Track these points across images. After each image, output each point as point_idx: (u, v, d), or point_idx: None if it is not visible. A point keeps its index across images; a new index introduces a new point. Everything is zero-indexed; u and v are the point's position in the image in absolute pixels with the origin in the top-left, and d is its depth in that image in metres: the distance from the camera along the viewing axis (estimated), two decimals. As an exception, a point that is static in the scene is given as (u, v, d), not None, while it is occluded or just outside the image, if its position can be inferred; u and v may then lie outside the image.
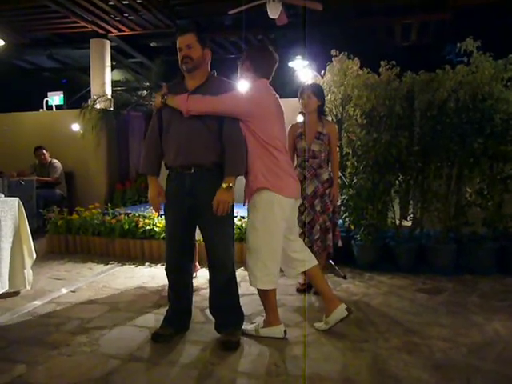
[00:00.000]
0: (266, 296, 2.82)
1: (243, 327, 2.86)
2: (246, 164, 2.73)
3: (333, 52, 4.84)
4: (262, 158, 2.71)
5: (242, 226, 4.75)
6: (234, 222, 2.88)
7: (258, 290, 2.83)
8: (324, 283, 2.99)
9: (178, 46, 2.71)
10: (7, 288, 3.60)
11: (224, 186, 2.63)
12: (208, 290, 2.91)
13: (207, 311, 2.99)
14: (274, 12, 6.32)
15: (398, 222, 4.75)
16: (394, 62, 4.67)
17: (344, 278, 4.18)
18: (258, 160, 2.71)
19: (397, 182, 4.71)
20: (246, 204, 2.87)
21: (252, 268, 2.79)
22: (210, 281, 2.86)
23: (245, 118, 2.69)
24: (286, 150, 2.87)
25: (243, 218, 4.86)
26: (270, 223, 2.72)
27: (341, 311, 2.82)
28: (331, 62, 4.86)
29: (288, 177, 2.80)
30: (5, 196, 3.82)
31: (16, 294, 3.73)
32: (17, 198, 3.83)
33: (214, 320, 2.88)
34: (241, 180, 2.80)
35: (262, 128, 2.70)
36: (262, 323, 2.85)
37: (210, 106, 2.64)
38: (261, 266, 2.74)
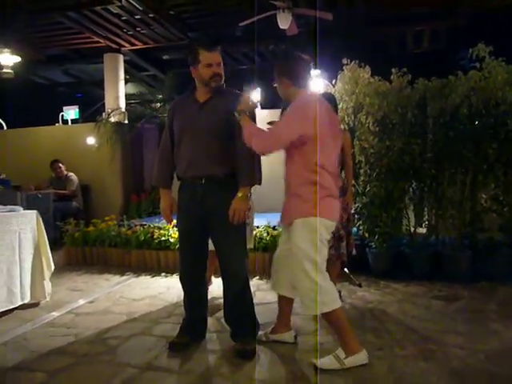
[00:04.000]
0: (336, 318, 2.53)
1: (319, 363, 2.53)
2: (261, 174, 2.71)
3: (344, 61, 4.87)
4: (312, 184, 2.51)
5: (262, 235, 4.81)
6: (245, 231, 2.87)
7: (326, 316, 2.54)
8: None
9: (207, 61, 2.65)
10: (29, 299, 3.68)
11: (240, 194, 2.66)
12: (223, 299, 2.93)
13: (223, 320, 3.00)
14: (285, 22, 6.39)
15: (412, 230, 4.73)
16: (405, 70, 4.69)
17: (359, 286, 4.17)
18: (308, 185, 2.52)
19: (411, 189, 4.70)
20: (285, 224, 2.71)
21: (309, 295, 2.50)
22: (224, 290, 2.87)
23: (302, 142, 2.48)
24: (336, 169, 2.67)
25: (257, 227, 4.89)
26: (322, 249, 2.56)
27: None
28: (342, 70, 4.89)
29: (335, 201, 2.63)
30: (23, 209, 3.90)
31: (35, 305, 3.79)
32: (35, 211, 3.91)
33: (229, 329, 2.90)
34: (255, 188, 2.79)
35: (315, 149, 2.48)
36: (342, 353, 2.53)
37: (272, 141, 2.50)
38: (315, 287, 2.48)
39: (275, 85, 2.71)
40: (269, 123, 2.82)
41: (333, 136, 2.60)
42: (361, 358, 2.53)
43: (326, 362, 2.53)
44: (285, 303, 2.87)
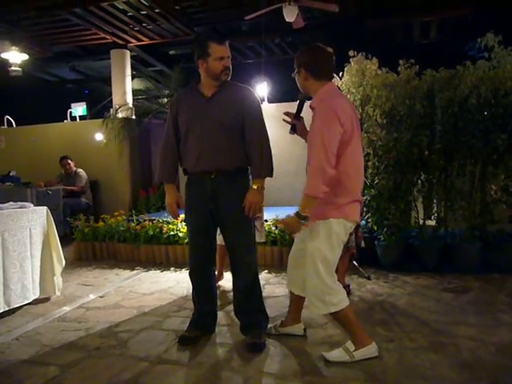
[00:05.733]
0: (344, 316, 2.51)
1: (326, 356, 2.54)
2: (272, 166, 2.70)
3: (350, 53, 4.83)
4: (335, 187, 2.41)
5: (270, 229, 4.84)
6: (253, 224, 2.86)
7: (335, 315, 2.52)
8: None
9: (219, 54, 2.62)
10: (38, 294, 3.72)
11: (255, 187, 2.67)
12: (232, 293, 2.94)
13: (232, 314, 3.02)
14: (291, 16, 6.35)
15: (421, 222, 4.70)
16: (412, 61, 4.65)
17: (368, 278, 4.17)
18: (331, 189, 2.40)
19: (419, 181, 4.67)
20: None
21: (317, 294, 2.49)
22: (234, 283, 2.89)
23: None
24: (361, 165, 2.57)
25: (266, 221, 4.88)
26: (337, 250, 2.53)
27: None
28: (349, 62, 4.85)
29: (357, 203, 2.55)
30: (34, 205, 3.93)
31: (47, 299, 3.84)
32: (45, 207, 3.94)
33: (239, 322, 2.91)
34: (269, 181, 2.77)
35: (343, 151, 2.40)
36: (351, 345, 2.51)
37: (325, 163, 2.31)
38: (324, 288, 2.47)
39: (294, 75, 2.60)
40: (286, 114, 2.74)
41: (358, 131, 2.52)
42: (370, 350, 2.53)
43: (335, 354, 2.53)
44: (297, 299, 2.85)
